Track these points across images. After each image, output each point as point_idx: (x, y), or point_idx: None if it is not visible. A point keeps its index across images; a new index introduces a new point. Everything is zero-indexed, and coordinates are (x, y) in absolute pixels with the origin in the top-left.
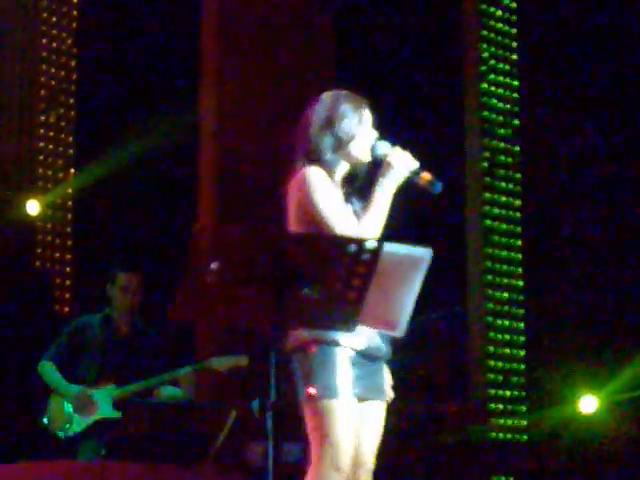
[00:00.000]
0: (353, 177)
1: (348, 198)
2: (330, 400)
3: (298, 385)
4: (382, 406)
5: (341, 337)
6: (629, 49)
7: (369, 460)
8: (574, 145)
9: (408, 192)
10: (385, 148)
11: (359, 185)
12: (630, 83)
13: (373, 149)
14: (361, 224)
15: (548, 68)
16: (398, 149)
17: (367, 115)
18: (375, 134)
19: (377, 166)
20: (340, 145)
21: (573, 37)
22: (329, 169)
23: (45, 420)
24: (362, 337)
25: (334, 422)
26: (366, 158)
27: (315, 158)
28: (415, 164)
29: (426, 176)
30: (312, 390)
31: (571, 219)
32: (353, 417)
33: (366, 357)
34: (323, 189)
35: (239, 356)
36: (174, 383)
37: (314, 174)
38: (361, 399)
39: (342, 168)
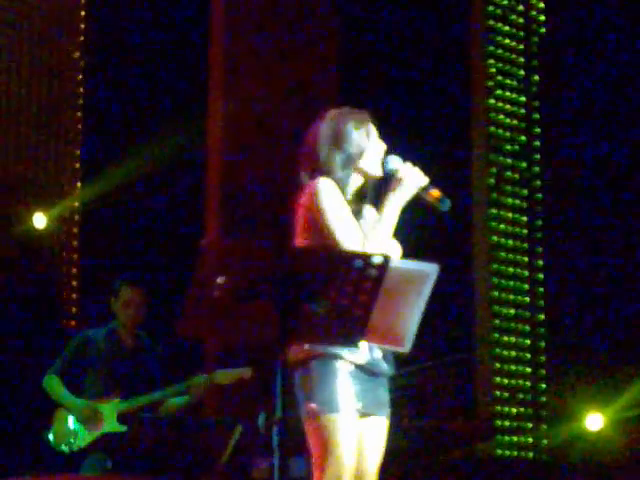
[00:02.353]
0: (364, 192)
1: (359, 213)
2: (331, 415)
3: (299, 400)
4: (384, 421)
5: (342, 351)
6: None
7: (372, 476)
8: (583, 160)
9: (414, 207)
10: (396, 163)
11: (370, 200)
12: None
13: (384, 164)
14: (369, 239)
15: (555, 83)
16: (409, 164)
17: (372, 129)
18: (384, 148)
19: (387, 181)
20: (350, 161)
21: (581, 51)
22: (340, 184)
23: (50, 435)
24: (363, 352)
25: (335, 437)
26: (377, 172)
27: (324, 174)
28: (425, 180)
29: (435, 193)
30: (313, 405)
31: (578, 234)
32: (355, 432)
33: (367, 372)
34: (332, 202)
35: (244, 369)
36: (181, 394)
37: (324, 186)
38: (363, 414)
39: (353, 183)
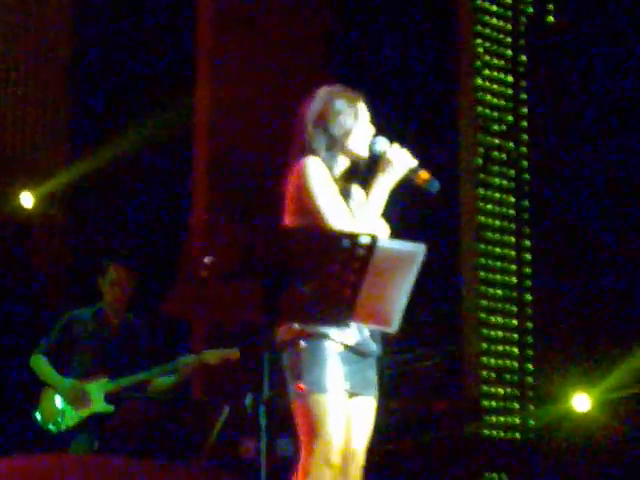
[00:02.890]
0: (352, 172)
1: (346, 193)
2: (320, 395)
3: (287, 380)
4: (372, 401)
5: (331, 331)
6: (628, 46)
7: (360, 456)
8: (570, 140)
9: (401, 188)
10: (384, 145)
11: (358, 180)
12: (629, 81)
13: (372, 145)
14: (356, 219)
15: (543, 64)
16: (397, 146)
17: (363, 110)
18: (372, 130)
19: (375, 162)
20: (334, 142)
21: (569, 31)
22: (327, 164)
23: (37, 414)
24: (353, 332)
25: (324, 417)
26: (364, 154)
27: (311, 153)
28: (413, 162)
29: (424, 174)
30: (301, 385)
31: (566, 215)
32: (343, 412)
33: (356, 352)
34: (320, 181)
35: (231, 349)
36: (169, 374)
37: (312, 166)
38: (351, 394)
39: (341, 163)
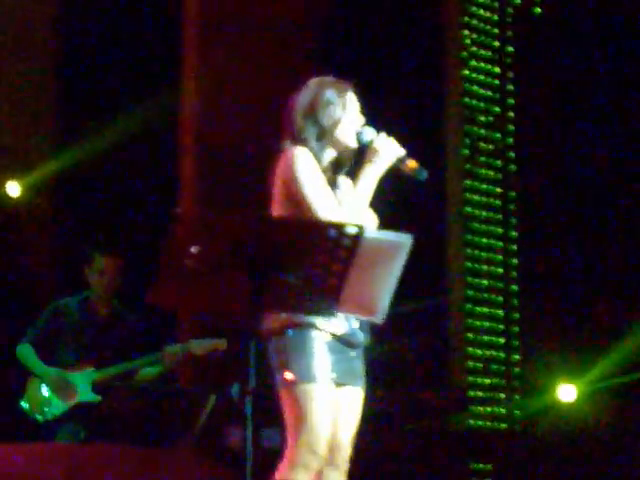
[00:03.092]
0: (340, 162)
1: (334, 183)
2: (307, 384)
3: (274, 369)
4: (359, 392)
5: (318, 321)
6: (615, 36)
7: (346, 446)
8: (557, 131)
9: (388, 178)
10: (371, 134)
11: (346, 170)
12: (616, 72)
13: (359, 135)
14: (344, 209)
15: (530, 55)
16: (384, 136)
17: (352, 101)
18: (361, 120)
19: (363, 152)
20: (324, 132)
21: (556, 22)
22: (315, 155)
23: (24, 403)
24: (341, 322)
25: (311, 407)
26: (352, 144)
27: (299, 143)
28: (401, 151)
29: (412, 163)
30: (289, 375)
31: (552, 206)
32: (330, 402)
33: (343, 342)
34: (309, 172)
35: (218, 339)
36: (155, 364)
37: (301, 156)
38: (338, 384)
39: (329, 153)
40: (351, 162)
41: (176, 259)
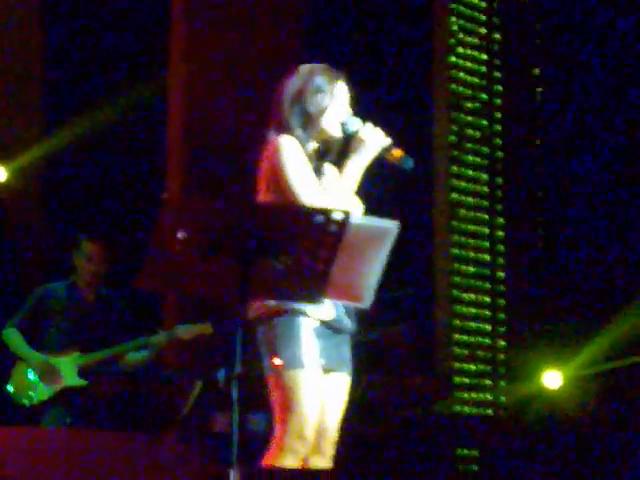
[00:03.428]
0: (326, 151)
1: (320, 172)
2: (295, 370)
3: (262, 355)
4: (346, 378)
5: (306, 307)
6: (603, 22)
7: (332, 431)
8: (543, 117)
9: (375, 166)
10: (357, 124)
11: (332, 159)
12: (603, 58)
13: (345, 125)
14: (329, 197)
15: (517, 41)
16: (370, 125)
17: (341, 89)
18: (348, 110)
19: (348, 142)
20: (309, 120)
21: (543, 8)
22: (301, 142)
23: (10, 387)
24: (328, 308)
25: (299, 392)
26: (337, 133)
27: (285, 131)
28: (387, 141)
29: (397, 152)
30: (277, 361)
31: (539, 192)
32: (318, 388)
33: (330, 328)
34: (294, 160)
35: (204, 324)
36: (141, 349)
37: (286, 144)
38: (326, 370)
39: (315, 142)
40: (337, 151)
41: (164, 245)
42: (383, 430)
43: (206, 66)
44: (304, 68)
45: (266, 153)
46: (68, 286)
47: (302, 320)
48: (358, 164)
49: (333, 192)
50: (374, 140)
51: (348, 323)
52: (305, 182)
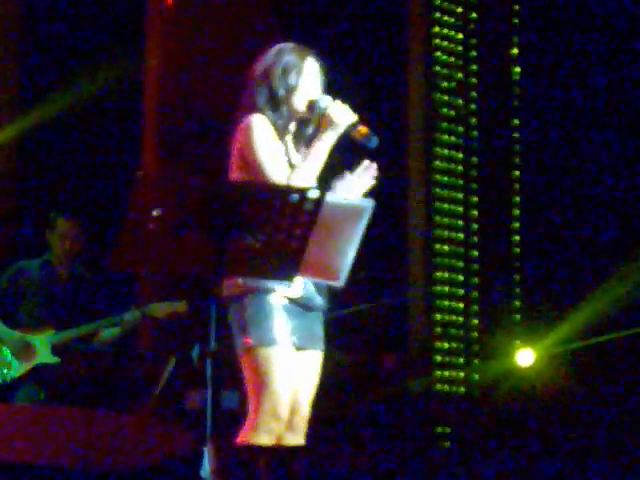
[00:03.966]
0: (300, 130)
1: (291, 151)
2: (267, 348)
3: (234, 334)
4: (319, 355)
5: (275, 285)
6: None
7: (305, 408)
8: (518, 96)
9: (350, 145)
10: (326, 102)
11: (304, 138)
12: (578, 35)
13: (315, 103)
14: (295, 175)
15: (493, 20)
16: (338, 102)
17: (310, 68)
18: (318, 88)
19: (317, 119)
20: (276, 98)
21: None
22: (272, 122)
23: None
24: (297, 286)
25: (272, 370)
26: (307, 111)
27: (256, 111)
28: (353, 117)
29: (363, 130)
30: (248, 339)
31: (513, 171)
32: (290, 365)
33: (302, 306)
34: (263, 138)
35: (178, 302)
36: (115, 326)
37: (256, 123)
38: (298, 348)
39: (286, 121)
40: (312, 129)
41: (138, 221)
42: (358, 408)
43: (182, 45)
44: (273, 48)
45: (238, 132)
46: (42, 264)
47: (272, 298)
48: (325, 142)
49: (300, 172)
50: (342, 117)
51: (319, 301)
52: (273, 162)
